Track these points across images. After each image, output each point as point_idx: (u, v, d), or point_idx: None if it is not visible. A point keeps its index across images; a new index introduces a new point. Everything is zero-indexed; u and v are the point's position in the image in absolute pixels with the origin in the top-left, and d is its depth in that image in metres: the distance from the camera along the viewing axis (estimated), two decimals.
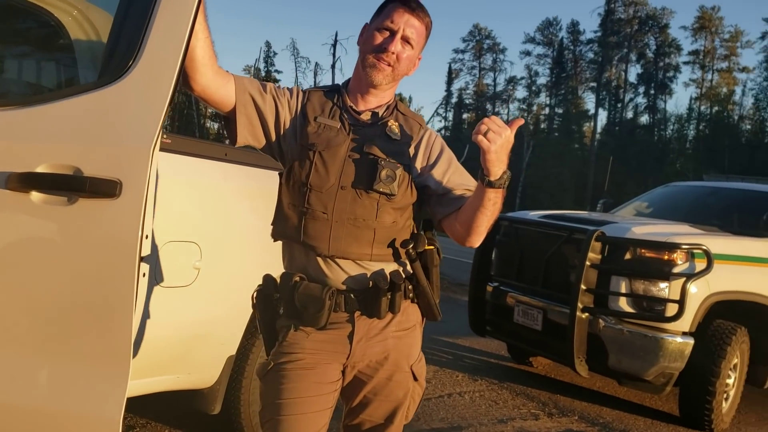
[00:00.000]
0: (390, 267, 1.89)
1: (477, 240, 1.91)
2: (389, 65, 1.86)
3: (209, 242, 2.86)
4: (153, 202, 1.71)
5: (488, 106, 61.34)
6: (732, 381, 5.02)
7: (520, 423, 4.63)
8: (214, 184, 2.95)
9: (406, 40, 1.87)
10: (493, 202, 1.81)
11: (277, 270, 3.19)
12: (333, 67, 52.73)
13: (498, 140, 1.72)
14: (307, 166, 1.84)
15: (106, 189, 1.58)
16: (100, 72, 1.72)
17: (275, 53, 56.69)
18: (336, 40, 51.69)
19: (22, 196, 1.59)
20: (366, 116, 1.91)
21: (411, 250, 1.87)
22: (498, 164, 1.75)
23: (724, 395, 4.95)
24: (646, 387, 4.96)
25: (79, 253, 1.62)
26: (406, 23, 1.87)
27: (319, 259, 1.85)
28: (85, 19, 2.27)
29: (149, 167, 1.58)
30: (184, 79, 1.70)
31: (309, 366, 1.84)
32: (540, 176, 45.47)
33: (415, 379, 1.94)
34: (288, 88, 1.95)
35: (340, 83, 2.00)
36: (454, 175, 1.93)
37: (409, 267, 1.91)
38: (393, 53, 1.85)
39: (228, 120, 1.88)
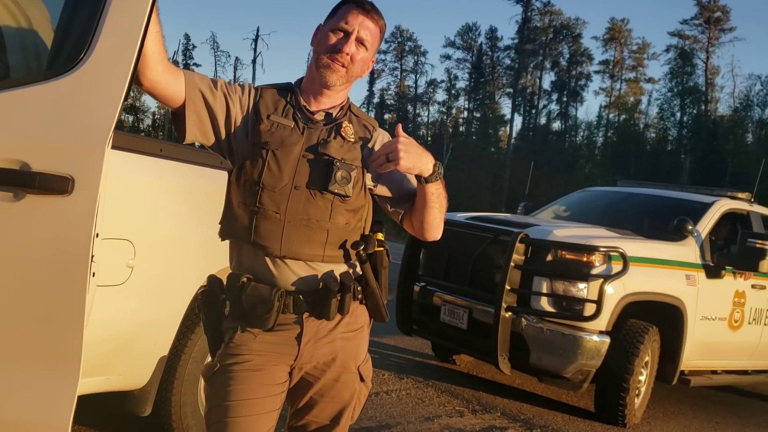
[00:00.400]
0: (340, 268, 1.89)
1: (436, 233, 1.98)
2: (343, 66, 1.87)
3: (143, 241, 2.78)
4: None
5: (409, 108, 61.98)
6: (644, 378, 5.30)
7: (446, 420, 4.72)
8: (149, 181, 2.87)
9: (360, 41, 1.88)
10: (437, 195, 1.88)
11: (211, 270, 3.15)
12: (254, 62, 52.00)
13: (402, 154, 1.79)
14: (259, 164, 1.82)
15: (57, 185, 1.51)
16: (48, 63, 1.64)
17: (194, 46, 55.27)
18: (257, 36, 51.02)
19: None
20: (319, 116, 1.91)
21: (362, 252, 1.89)
22: (420, 164, 1.82)
23: (637, 391, 5.21)
24: (565, 384, 5.17)
25: (27, 251, 1.54)
26: (361, 25, 1.88)
27: (268, 260, 1.84)
28: (15, 4, 2.17)
29: (103, 163, 1.52)
30: None
31: (256, 367, 1.82)
32: (458, 178, 46.18)
33: (362, 379, 1.95)
34: (240, 85, 1.92)
35: (292, 82, 1.99)
36: (406, 178, 1.96)
37: (358, 268, 1.92)
38: (347, 54, 1.86)
39: (177, 116, 1.84)
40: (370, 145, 1.94)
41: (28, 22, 2.14)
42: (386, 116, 61.26)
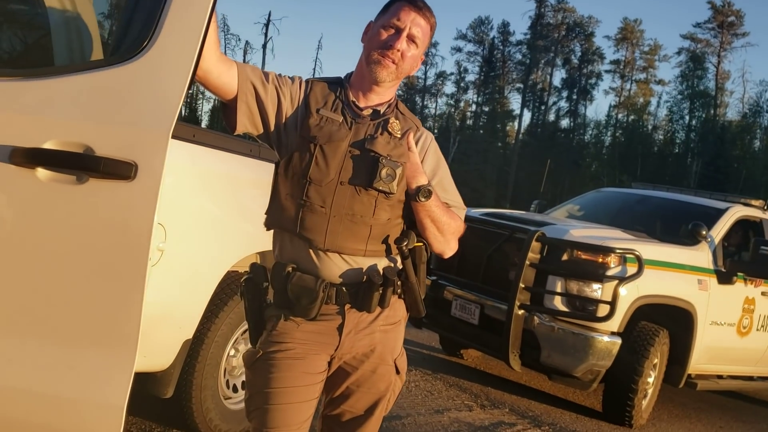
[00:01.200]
0: (381, 263, 1.91)
1: (440, 249, 1.99)
2: (394, 62, 1.87)
3: (174, 225, 2.79)
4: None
5: (417, 99, 61.83)
6: (652, 380, 5.33)
7: (455, 414, 4.76)
8: (182, 166, 2.88)
9: (411, 38, 1.89)
10: (423, 215, 1.90)
11: (238, 257, 3.17)
12: (264, 47, 51.85)
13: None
14: (307, 158, 1.84)
15: (121, 171, 1.52)
16: (113, 49, 1.65)
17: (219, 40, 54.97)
18: (269, 20, 50.85)
19: (28, 172, 1.52)
20: (367, 112, 1.92)
21: (404, 247, 1.90)
22: (413, 181, 1.88)
23: (644, 393, 5.25)
24: (575, 383, 5.20)
25: (88, 235, 1.56)
26: (413, 22, 1.88)
27: (312, 252, 1.86)
28: None
29: (166, 150, 1.54)
30: None
31: (298, 356, 1.85)
32: (464, 171, 46.20)
33: (398, 372, 1.98)
34: (290, 77, 1.93)
35: (342, 77, 2.00)
36: (436, 186, 1.95)
37: (399, 263, 1.94)
38: (398, 50, 1.86)
39: (227, 107, 1.85)
40: (414, 142, 1.95)
41: (74, 8, 2.16)
42: None
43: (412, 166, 1.88)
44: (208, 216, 3.03)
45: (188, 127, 3.08)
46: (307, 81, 1.94)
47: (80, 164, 1.53)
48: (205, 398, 3.20)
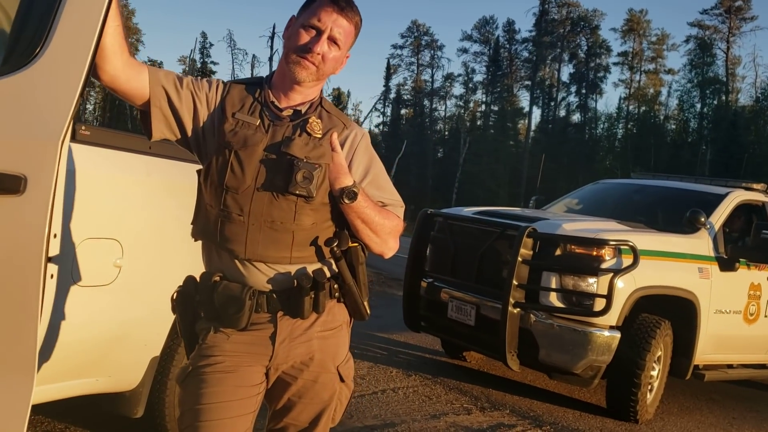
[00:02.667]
0: (313, 266, 1.83)
1: (378, 250, 1.90)
2: (314, 65, 1.80)
3: (131, 239, 2.74)
4: (63, 198, 1.60)
5: (426, 102, 61.74)
6: (656, 373, 5.19)
7: (453, 418, 4.65)
8: (138, 179, 2.83)
9: (333, 40, 1.81)
10: (353, 217, 1.81)
11: (201, 269, 3.10)
12: (270, 59, 52.05)
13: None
14: (223, 165, 1.77)
15: (8, 185, 1.45)
16: (4, 58, 1.59)
17: (211, 44, 55.40)
18: (273, 33, 51.04)
19: None
20: (287, 113, 1.84)
21: (335, 249, 1.82)
22: (336, 183, 1.80)
23: (649, 387, 5.11)
24: (575, 380, 5.08)
25: None
26: (334, 23, 1.80)
27: (237, 262, 1.79)
28: None
29: (57, 161, 1.47)
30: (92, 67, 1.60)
31: (229, 369, 1.77)
32: (476, 172, 46.05)
33: (342, 380, 1.90)
34: (207, 80, 1.86)
35: (263, 76, 1.92)
36: (368, 186, 1.88)
37: (334, 266, 1.86)
38: (318, 54, 1.79)
39: (143, 114, 1.79)
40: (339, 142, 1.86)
41: None
42: (403, 111, 61.13)
43: (335, 167, 1.79)
44: (167, 228, 2.96)
45: (144, 139, 3.02)
46: (225, 84, 1.87)
47: None
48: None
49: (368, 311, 1.93)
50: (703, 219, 5.56)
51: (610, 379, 5.10)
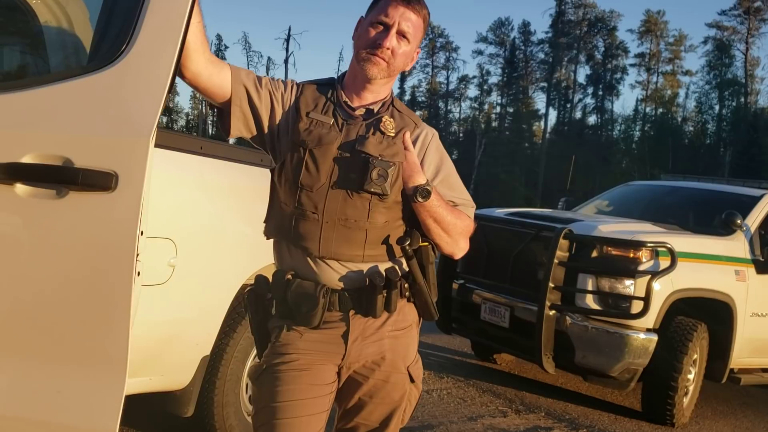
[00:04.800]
0: (385, 265, 1.83)
1: (449, 250, 1.90)
2: (384, 60, 1.79)
3: (185, 239, 2.75)
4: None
5: (441, 104, 61.71)
6: (692, 376, 5.13)
7: (490, 420, 4.63)
8: (190, 179, 2.84)
9: (401, 34, 1.80)
10: (425, 216, 1.81)
11: (253, 269, 3.11)
12: (286, 62, 52.31)
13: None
14: (297, 164, 1.77)
15: (100, 182, 1.46)
16: (90, 56, 1.60)
17: (226, 47, 55.75)
18: (289, 35, 51.30)
19: (6, 188, 1.47)
20: (360, 112, 1.84)
21: (407, 247, 1.81)
22: (410, 181, 1.79)
23: (685, 390, 5.06)
24: (612, 383, 5.03)
25: (70, 250, 1.50)
26: (402, 17, 1.79)
27: (309, 260, 1.79)
28: (55, 2, 2.15)
29: (147, 158, 1.47)
30: None
31: (303, 367, 1.77)
32: (492, 174, 45.93)
33: (412, 380, 1.89)
34: (283, 81, 1.87)
35: (335, 77, 1.92)
36: (440, 185, 1.87)
37: (404, 265, 1.85)
38: (388, 48, 1.78)
39: (221, 111, 1.80)
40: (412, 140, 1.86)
41: (68, 21, 2.12)
42: (418, 113, 61.01)
43: (408, 166, 1.79)
44: (220, 228, 2.98)
45: (195, 139, 3.04)
46: (298, 84, 1.88)
47: (59, 177, 1.47)
48: (227, 415, 3.13)
49: (437, 311, 1.92)
50: (739, 221, 5.50)
51: (647, 382, 5.05)
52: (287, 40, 53.13)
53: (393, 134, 1.82)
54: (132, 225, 1.48)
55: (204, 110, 55.33)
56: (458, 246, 1.89)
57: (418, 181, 1.79)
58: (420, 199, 1.78)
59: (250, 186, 3.12)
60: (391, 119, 1.84)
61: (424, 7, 1.85)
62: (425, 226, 1.83)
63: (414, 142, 1.86)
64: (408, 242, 1.81)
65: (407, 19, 1.80)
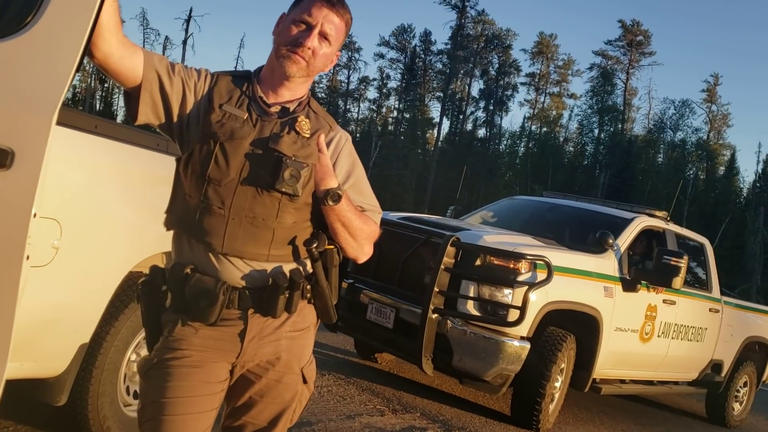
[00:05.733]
0: (289, 266, 1.83)
1: (353, 254, 1.92)
2: (304, 59, 1.79)
3: (71, 221, 2.62)
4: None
5: (340, 103, 61.70)
6: (559, 384, 5.44)
7: (367, 419, 4.71)
8: (81, 159, 2.71)
9: (324, 35, 1.80)
10: (334, 219, 1.82)
11: (139, 257, 3.01)
12: (184, 43, 50.57)
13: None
14: (206, 156, 1.74)
15: None
16: None
17: (123, 21, 53.12)
18: (190, 16, 49.63)
19: None
20: (275, 109, 1.83)
21: (314, 250, 1.82)
22: (321, 184, 1.80)
23: (551, 397, 5.35)
24: (485, 387, 5.25)
25: None
26: (325, 18, 1.80)
27: (211, 255, 1.76)
28: None
29: (48, 138, 1.40)
30: None
31: (196, 364, 1.74)
32: (384, 176, 46.46)
33: (305, 381, 1.89)
34: (196, 69, 1.83)
35: (252, 70, 1.91)
36: (350, 189, 1.88)
37: (308, 266, 1.86)
38: (309, 48, 1.78)
39: (129, 96, 1.74)
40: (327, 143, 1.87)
41: None
42: None
43: (321, 168, 1.80)
44: (109, 212, 2.86)
45: (90, 117, 2.91)
46: (212, 74, 1.84)
47: None
48: (102, 405, 3.01)
49: (336, 314, 1.94)
50: (611, 240, 5.89)
51: (517, 388, 5.32)
52: (187, 21, 51.42)
53: (308, 135, 1.81)
54: (26, 206, 1.40)
55: (93, 84, 52.47)
56: (363, 251, 1.92)
57: (330, 185, 1.80)
58: (331, 203, 1.79)
59: (144, 171, 3.02)
60: (307, 120, 1.84)
61: (348, 11, 1.87)
62: (333, 229, 1.84)
63: (327, 145, 1.85)
64: (315, 244, 1.81)
65: (330, 21, 1.81)
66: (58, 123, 2.65)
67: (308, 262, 1.85)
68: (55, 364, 2.75)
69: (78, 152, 2.70)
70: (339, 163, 1.88)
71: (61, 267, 2.59)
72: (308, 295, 1.85)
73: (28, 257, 1.46)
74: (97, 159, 2.77)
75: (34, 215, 1.44)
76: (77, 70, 1.46)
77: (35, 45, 1.46)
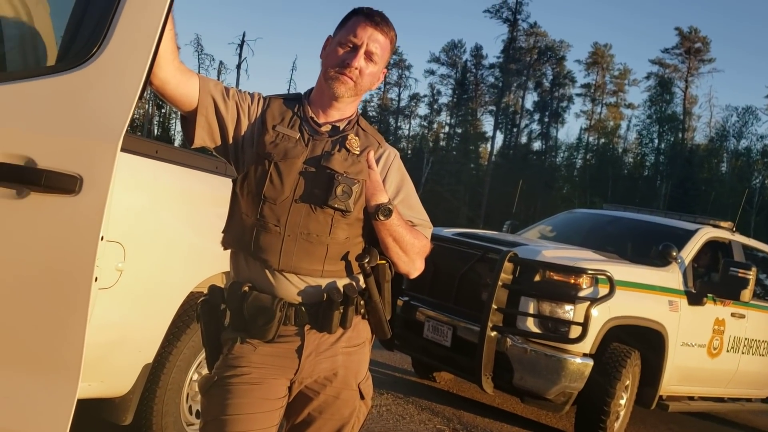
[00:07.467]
0: (342, 281, 1.85)
1: (405, 269, 1.92)
2: (352, 80, 1.83)
3: (134, 244, 2.70)
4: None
5: (391, 120, 62.07)
6: (624, 401, 5.28)
7: None
8: (143, 183, 2.79)
9: (369, 55, 1.84)
10: (385, 234, 1.83)
11: (201, 277, 3.07)
12: (238, 67, 51.80)
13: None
14: (262, 176, 1.78)
15: (64, 184, 1.43)
16: (59, 56, 1.57)
17: (178, 47, 54.80)
18: (243, 41, 50.87)
19: None
20: (326, 129, 1.87)
21: (366, 265, 1.83)
22: (372, 199, 1.82)
23: (616, 415, 5.20)
24: (547, 405, 5.13)
25: (28, 253, 1.46)
26: (370, 38, 1.83)
27: (268, 272, 1.79)
28: None
29: (114, 163, 1.45)
30: None
31: (255, 381, 1.77)
32: (437, 192, 46.40)
33: (362, 397, 1.90)
34: (249, 93, 1.88)
35: (302, 93, 1.95)
36: (400, 204, 1.90)
37: (361, 282, 1.87)
38: (355, 68, 1.82)
39: (186, 120, 1.79)
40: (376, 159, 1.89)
41: (29, 17, 2.07)
42: None
43: (371, 184, 1.82)
44: (170, 234, 2.94)
45: (151, 143, 2.99)
46: (265, 98, 1.90)
47: (20, 177, 1.44)
48: (166, 425, 3.07)
49: (390, 329, 1.94)
50: (674, 253, 5.72)
51: (581, 406, 5.18)
52: (241, 46, 52.69)
53: (358, 152, 1.85)
54: (94, 230, 1.45)
55: (150, 111, 54.23)
56: (414, 265, 1.93)
57: (381, 200, 1.82)
58: (381, 218, 1.81)
59: (203, 193, 3.09)
60: (357, 137, 1.87)
61: (392, 29, 1.90)
62: (384, 244, 1.86)
63: (377, 161, 1.89)
64: (367, 259, 1.83)
65: (375, 41, 1.84)
66: (123, 149, 2.75)
67: (361, 278, 1.86)
68: (121, 383, 2.82)
69: (140, 177, 2.78)
70: (388, 179, 1.91)
71: (124, 289, 2.67)
72: (362, 310, 1.87)
73: (96, 279, 1.50)
74: (158, 183, 2.85)
75: (102, 238, 1.48)
76: (140, 98, 1.50)
77: (101, 75, 1.52)
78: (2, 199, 1.45)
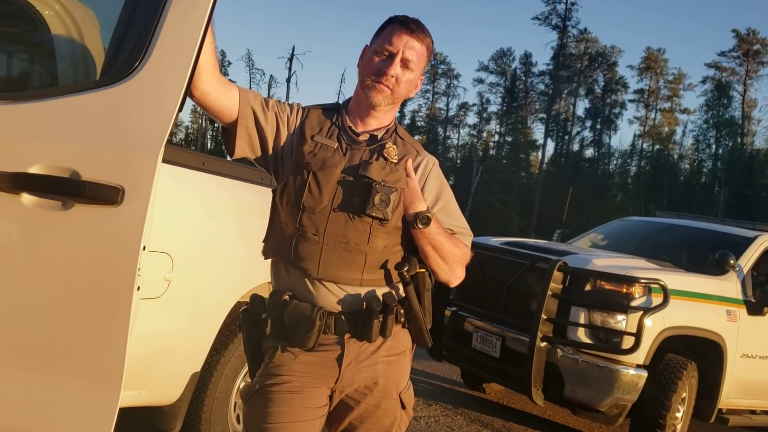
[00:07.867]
0: (382, 290, 1.84)
1: (445, 278, 1.91)
2: (388, 88, 1.83)
3: (181, 254, 2.75)
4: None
5: (440, 130, 62.03)
6: (680, 414, 5.11)
7: None
8: (190, 194, 2.85)
9: (405, 63, 1.84)
10: (424, 243, 1.83)
11: (247, 287, 3.11)
12: (288, 81, 52.61)
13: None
14: (300, 185, 1.80)
15: (106, 195, 1.48)
16: (103, 71, 1.62)
17: (230, 63, 56.02)
18: (293, 55, 51.67)
19: (12, 197, 1.48)
20: (364, 138, 1.88)
21: (405, 273, 1.83)
22: (411, 208, 1.81)
23: (673, 428, 5.04)
24: (600, 418, 5.01)
25: (72, 262, 1.51)
26: (406, 45, 1.84)
27: (307, 281, 1.80)
28: (67, 14, 2.17)
29: (155, 174, 1.49)
30: None
31: (296, 389, 1.78)
32: (487, 201, 46.06)
33: (403, 407, 1.90)
34: (288, 104, 1.91)
35: (340, 102, 1.96)
36: (439, 212, 1.89)
37: (401, 290, 1.87)
38: (392, 76, 1.83)
39: (226, 131, 1.83)
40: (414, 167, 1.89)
41: (79, 34, 2.14)
42: (417, 137, 61.22)
43: (409, 192, 1.82)
44: (217, 245, 2.99)
45: (197, 155, 3.06)
46: (303, 108, 1.92)
47: (65, 189, 1.49)
48: None
49: (431, 338, 1.93)
50: (732, 261, 5.53)
51: (635, 419, 5.04)
52: (290, 60, 53.48)
53: (396, 161, 1.85)
54: (135, 240, 1.49)
55: (204, 125, 55.53)
56: (455, 274, 1.91)
57: (419, 208, 1.81)
58: (420, 226, 1.80)
59: (249, 204, 3.13)
60: (394, 146, 1.87)
61: (428, 36, 1.89)
62: (423, 252, 1.85)
63: (415, 170, 1.89)
64: (406, 268, 1.83)
65: (411, 48, 1.84)
66: (170, 162, 2.82)
67: (401, 286, 1.86)
68: (170, 392, 2.87)
69: (187, 188, 2.84)
70: (427, 187, 1.90)
71: (173, 298, 2.72)
72: (402, 319, 1.86)
73: (138, 288, 1.54)
74: (205, 194, 2.90)
75: (143, 248, 1.52)
76: (180, 110, 1.54)
77: (142, 89, 1.56)
78: (48, 211, 1.50)
